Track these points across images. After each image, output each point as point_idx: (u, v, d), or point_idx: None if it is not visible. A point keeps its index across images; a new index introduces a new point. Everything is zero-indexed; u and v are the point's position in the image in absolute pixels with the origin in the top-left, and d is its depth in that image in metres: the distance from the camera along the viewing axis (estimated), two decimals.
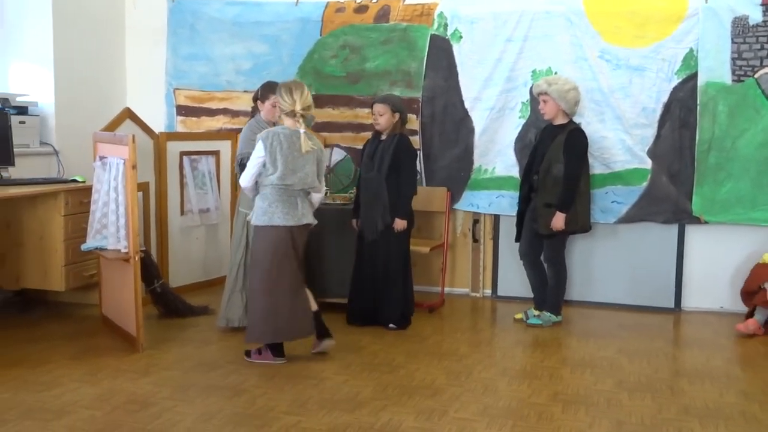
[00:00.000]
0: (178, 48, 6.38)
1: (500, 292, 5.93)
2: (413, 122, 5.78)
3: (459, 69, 5.78)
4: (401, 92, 5.74)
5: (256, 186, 4.22)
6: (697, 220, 5.46)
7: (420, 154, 5.78)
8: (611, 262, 5.68)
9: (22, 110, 5.45)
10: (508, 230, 5.64)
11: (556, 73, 5.51)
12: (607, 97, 5.49)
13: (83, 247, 4.67)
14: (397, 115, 4.96)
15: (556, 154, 4.96)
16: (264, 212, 4.15)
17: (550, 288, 5.18)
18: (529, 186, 5.14)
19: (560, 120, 5.06)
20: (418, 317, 5.21)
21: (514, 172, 5.69)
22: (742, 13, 5.25)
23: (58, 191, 4.87)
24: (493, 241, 5.93)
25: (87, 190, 4.89)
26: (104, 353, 4.40)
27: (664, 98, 5.41)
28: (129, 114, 5.41)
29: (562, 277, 5.20)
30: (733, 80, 5.29)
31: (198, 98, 6.38)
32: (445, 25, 5.80)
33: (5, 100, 5.33)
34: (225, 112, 6.32)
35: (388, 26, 5.94)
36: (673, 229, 5.55)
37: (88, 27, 6.05)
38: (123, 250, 4.42)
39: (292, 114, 4.16)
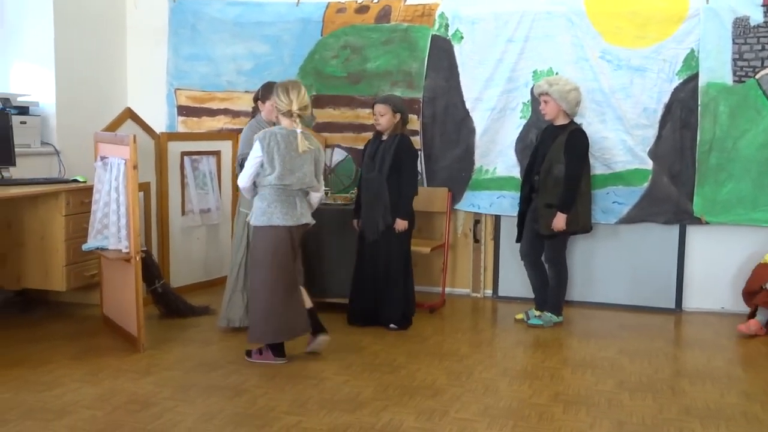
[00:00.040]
0: (179, 48, 6.39)
1: (501, 293, 5.93)
2: (414, 122, 5.77)
3: (460, 69, 5.78)
4: (402, 92, 5.74)
5: (254, 187, 4.22)
6: (698, 221, 5.45)
7: (421, 154, 5.78)
8: (612, 263, 5.68)
9: (23, 110, 5.45)
10: (509, 230, 5.64)
11: (557, 73, 5.50)
12: (608, 98, 5.48)
13: (84, 247, 4.68)
14: (398, 116, 4.96)
15: (557, 155, 4.96)
16: (263, 212, 4.15)
17: (551, 288, 5.18)
18: (530, 186, 5.14)
19: (561, 120, 5.06)
20: (419, 317, 5.21)
21: (515, 172, 5.69)
22: (743, 14, 5.25)
23: (59, 191, 4.87)
24: (494, 242, 5.93)
25: (88, 190, 4.89)
26: (105, 353, 4.40)
27: (665, 99, 5.41)
28: (130, 114, 5.41)
29: (563, 277, 5.19)
30: (734, 81, 5.29)
31: (199, 98, 6.38)
32: (446, 26, 5.80)
33: (6, 100, 5.33)
34: (226, 112, 6.32)
35: (389, 26, 5.94)
36: (674, 230, 5.55)
37: (89, 27, 6.05)
38: (124, 250, 4.43)
39: (288, 114, 4.15)
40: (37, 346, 4.51)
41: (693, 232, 5.55)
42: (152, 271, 5.05)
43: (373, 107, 5.03)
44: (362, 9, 6.00)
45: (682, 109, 5.38)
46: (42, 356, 4.31)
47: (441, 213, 5.87)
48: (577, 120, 5.19)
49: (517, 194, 5.42)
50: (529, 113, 5.64)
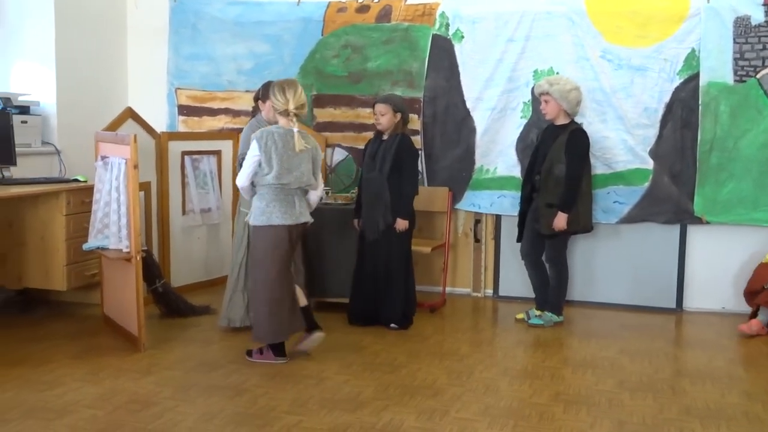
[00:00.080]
0: (179, 48, 6.39)
1: (502, 292, 5.93)
2: (415, 122, 5.77)
3: (461, 69, 5.77)
4: (403, 92, 5.74)
5: (252, 186, 4.21)
6: (698, 221, 5.45)
7: (421, 154, 5.78)
8: (613, 263, 5.67)
9: (24, 110, 5.45)
10: (509, 230, 5.64)
11: (557, 73, 5.50)
12: (608, 97, 5.48)
13: (85, 246, 4.68)
14: (398, 115, 4.96)
15: (558, 155, 4.95)
16: (262, 212, 4.15)
17: (551, 288, 5.18)
18: (530, 186, 5.14)
19: (562, 120, 5.06)
20: (420, 317, 5.20)
21: (516, 172, 5.68)
22: (744, 14, 5.24)
23: (60, 191, 4.87)
24: (494, 241, 5.93)
25: (89, 190, 4.89)
26: (106, 353, 4.40)
27: (666, 98, 5.40)
28: (131, 113, 5.42)
29: (564, 277, 5.19)
30: (735, 80, 5.29)
31: (199, 98, 6.38)
32: (447, 25, 5.80)
33: (7, 100, 5.33)
34: (226, 111, 6.32)
35: (389, 26, 5.94)
36: (675, 230, 5.54)
37: (89, 26, 6.05)
38: (124, 250, 4.43)
39: (285, 113, 4.15)
40: (37, 345, 4.51)
41: (694, 232, 5.54)
42: (153, 270, 5.05)
43: (373, 107, 5.03)
44: (363, 8, 5.99)
45: (683, 109, 5.38)
46: (43, 356, 4.31)
47: (442, 213, 5.87)
48: (578, 120, 5.18)
49: (517, 194, 5.42)
50: (530, 113, 5.64)
